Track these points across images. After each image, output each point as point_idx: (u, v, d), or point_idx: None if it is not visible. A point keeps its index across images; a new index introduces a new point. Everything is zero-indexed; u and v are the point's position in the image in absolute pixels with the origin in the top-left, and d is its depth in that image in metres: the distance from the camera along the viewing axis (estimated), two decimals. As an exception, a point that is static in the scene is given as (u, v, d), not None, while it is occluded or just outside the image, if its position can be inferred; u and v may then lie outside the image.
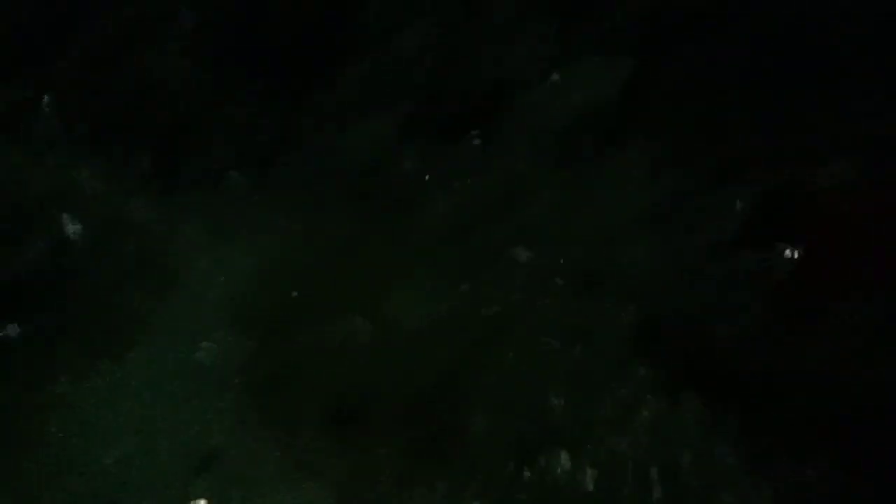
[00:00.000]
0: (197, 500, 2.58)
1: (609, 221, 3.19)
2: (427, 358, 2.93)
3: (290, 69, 3.67)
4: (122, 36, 3.80)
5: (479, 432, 2.62)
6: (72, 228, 3.38)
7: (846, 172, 3.01)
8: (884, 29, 3.33)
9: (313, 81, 3.64)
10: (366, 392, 2.92)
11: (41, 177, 3.51)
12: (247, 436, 2.90)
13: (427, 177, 3.67)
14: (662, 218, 3.17)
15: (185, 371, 3.16)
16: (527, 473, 2.45)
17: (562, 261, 3.17)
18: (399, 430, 2.71)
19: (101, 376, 3.01)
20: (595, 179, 3.42)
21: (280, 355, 3.13)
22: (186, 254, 3.58)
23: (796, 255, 2.68)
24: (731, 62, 3.51)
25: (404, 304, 3.20)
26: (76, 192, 3.50)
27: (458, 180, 3.63)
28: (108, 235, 3.41)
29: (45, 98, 3.63)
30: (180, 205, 3.68)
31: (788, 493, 2.12)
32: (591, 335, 2.81)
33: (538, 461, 2.46)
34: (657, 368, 2.59)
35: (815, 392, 2.33)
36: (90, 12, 3.84)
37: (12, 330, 3.08)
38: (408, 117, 3.97)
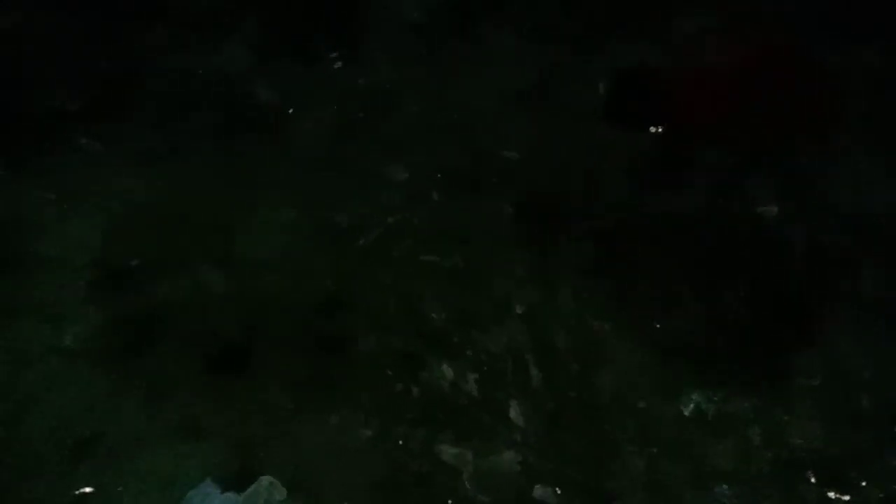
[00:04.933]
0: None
1: (479, 116, 3.07)
2: (303, 294, 2.77)
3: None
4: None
5: (364, 358, 2.49)
6: None
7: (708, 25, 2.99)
8: None
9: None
10: (245, 336, 2.74)
11: None
12: (123, 411, 2.69)
13: (290, 110, 3.46)
14: (530, 100, 3.06)
15: (50, 355, 2.90)
16: (415, 390, 2.34)
17: (439, 175, 3.03)
18: (281, 369, 2.55)
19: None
20: (455, 77, 3.28)
21: (146, 321, 2.90)
22: (37, 230, 3.27)
23: (660, 129, 2.62)
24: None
25: (275, 243, 3.01)
26: None
27: (322, 107, 3.42)
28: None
29: None
30: (23, 174, 3.31)
31: (664, 351, 2.13)
32: (469, 240, 2.71)
33: (422, 377, 2.35)
34: (533, 260, 2.52)
35: (681, 248, 2.33)
36: None
37: None
38: (261, 44, 3.69)
